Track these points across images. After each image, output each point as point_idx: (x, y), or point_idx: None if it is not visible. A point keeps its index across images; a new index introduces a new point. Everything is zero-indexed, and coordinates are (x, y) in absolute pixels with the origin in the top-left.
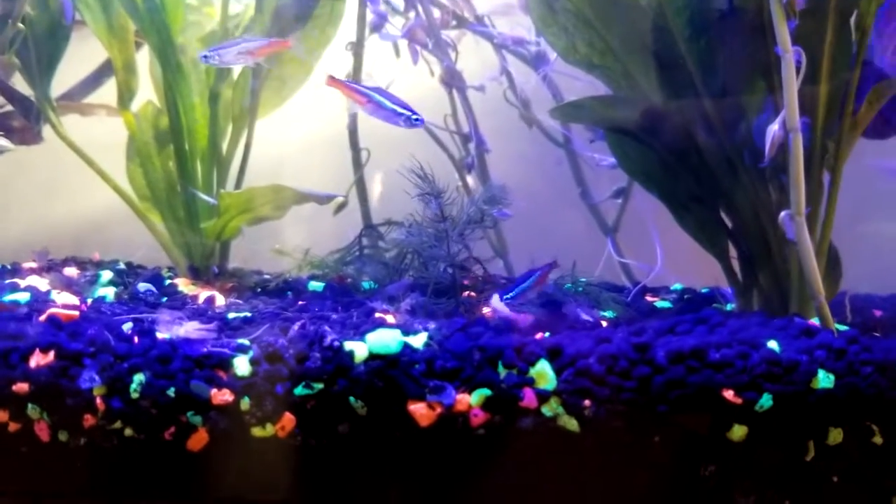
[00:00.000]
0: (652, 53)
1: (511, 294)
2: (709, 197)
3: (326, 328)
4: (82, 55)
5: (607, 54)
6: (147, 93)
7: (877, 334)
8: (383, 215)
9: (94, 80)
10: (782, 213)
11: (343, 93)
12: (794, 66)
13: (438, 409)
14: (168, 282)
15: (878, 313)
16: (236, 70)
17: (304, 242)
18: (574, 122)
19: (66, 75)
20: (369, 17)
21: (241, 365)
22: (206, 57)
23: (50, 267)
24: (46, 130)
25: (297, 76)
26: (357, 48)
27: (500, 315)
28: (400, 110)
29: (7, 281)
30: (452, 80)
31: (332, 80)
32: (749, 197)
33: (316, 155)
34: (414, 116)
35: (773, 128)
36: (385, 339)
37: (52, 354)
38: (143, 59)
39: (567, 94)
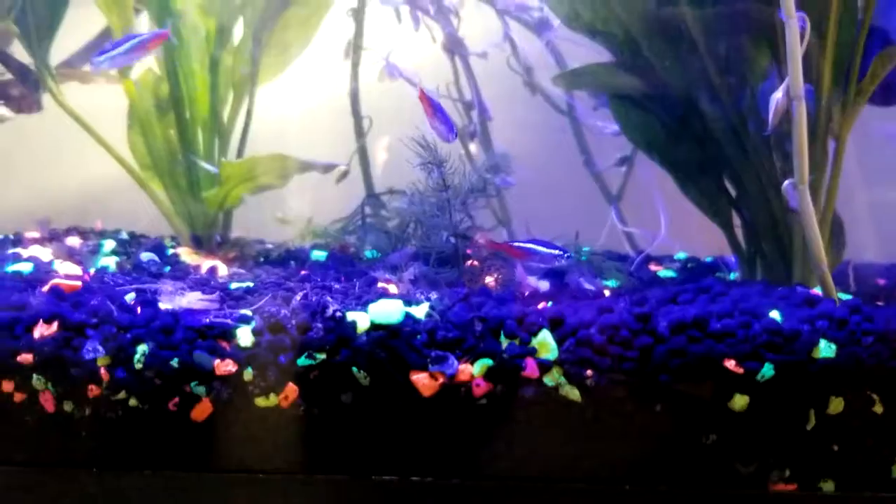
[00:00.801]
0: (655, 19)
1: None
2: (712, 165)
3: (328, 298)
4: (81, 22)
5: (610, 20)
6: (147, 60)
7: (879, 303)
8: (389, 185)
9: (94, 47)
10: (785, 183)
11: (425, 109)
12: (798, 32)
13: (441, 380)
14: (171, 251)
15: (881, 282)
16: (237, 36)
17: (310, 212)
18: (577, 88)
19: (66, 43)
20: None
21: (244, 335)
22: (95, 63)
23: (52, 237)
24: (46, 99)
25: (298, 42)
26: (358, 14)
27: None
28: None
29: (10, 251)
30: (455, 47)
31: (423, 95)
32: (753, 165)
33: (319, 124)
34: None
35: (777, 95)
36: (387, 310)
37: (55, 325)
38: (143, 25)
39: (570, 60)
